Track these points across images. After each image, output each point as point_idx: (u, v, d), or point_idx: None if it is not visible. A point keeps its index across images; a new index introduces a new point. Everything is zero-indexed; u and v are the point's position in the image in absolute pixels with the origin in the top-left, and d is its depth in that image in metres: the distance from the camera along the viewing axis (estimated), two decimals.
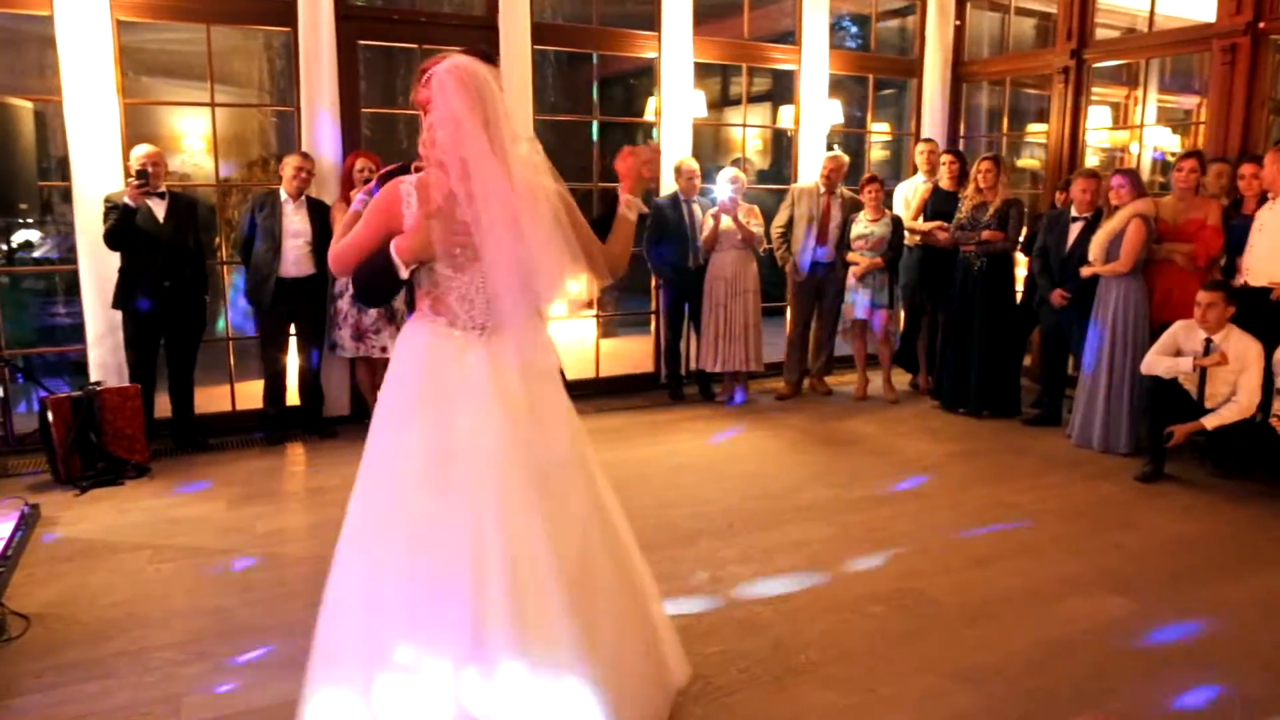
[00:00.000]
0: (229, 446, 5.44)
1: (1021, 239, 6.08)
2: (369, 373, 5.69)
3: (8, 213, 4.59)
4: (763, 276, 6.43)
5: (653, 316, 6.93)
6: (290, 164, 5.33)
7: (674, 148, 6.49)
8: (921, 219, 6.45)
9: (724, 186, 6.15)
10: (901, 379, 6.88)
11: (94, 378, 5.13)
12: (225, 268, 6.04)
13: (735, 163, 7.53)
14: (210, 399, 5.80)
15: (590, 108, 7.21)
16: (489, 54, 2.34)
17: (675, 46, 6.39)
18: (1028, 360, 6.43)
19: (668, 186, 6.46)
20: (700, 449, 5.42)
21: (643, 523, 4.13)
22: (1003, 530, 4.12)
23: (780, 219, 6.52)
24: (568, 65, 8.81)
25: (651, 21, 6.38)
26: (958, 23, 7.36)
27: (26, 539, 3.95)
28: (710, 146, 9.40)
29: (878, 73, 7.50)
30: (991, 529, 4.13)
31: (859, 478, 4.84)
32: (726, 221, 6.15)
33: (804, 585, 3.52)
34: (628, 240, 2.50)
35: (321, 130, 5.54)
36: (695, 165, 6.33)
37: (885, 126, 8.52)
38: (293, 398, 5.64)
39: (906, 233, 6.49)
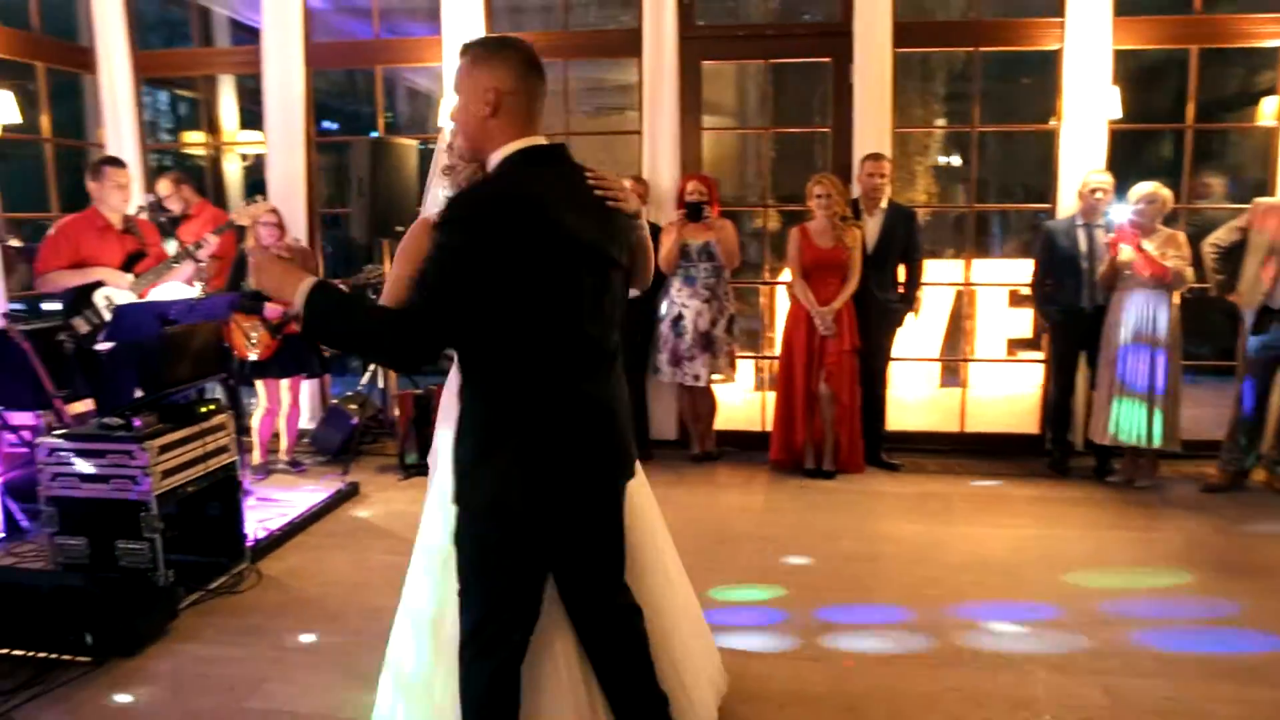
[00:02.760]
0: None
1: None
2: (690, 401, 5.55)
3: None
4: (1187, 325, 4.82)
5: (1043, 366, 5.63)
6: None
7: (1079, 158, 5.18)
8: None
9: (1123, 207, 4.74)
10: None
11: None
12: None
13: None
14: None
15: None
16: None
17: (1085, 32, 5.09)
18: None
19: (1064, 207, 5.20)
20: (1032, 543, 4.20)
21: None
22: None
23: (1221, 236, 4.83)
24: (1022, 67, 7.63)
25: (1056, 7, 5.16)
26: None
27: (326, 511, 4.62)
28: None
29: None
30: None
31: (1232, 637, 3.30)
32: (1128, 252, 4.73)
33: None
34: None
35: (661, 153, 5.55)
36: (1104, 180, 4.97)
37: None
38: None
39: None
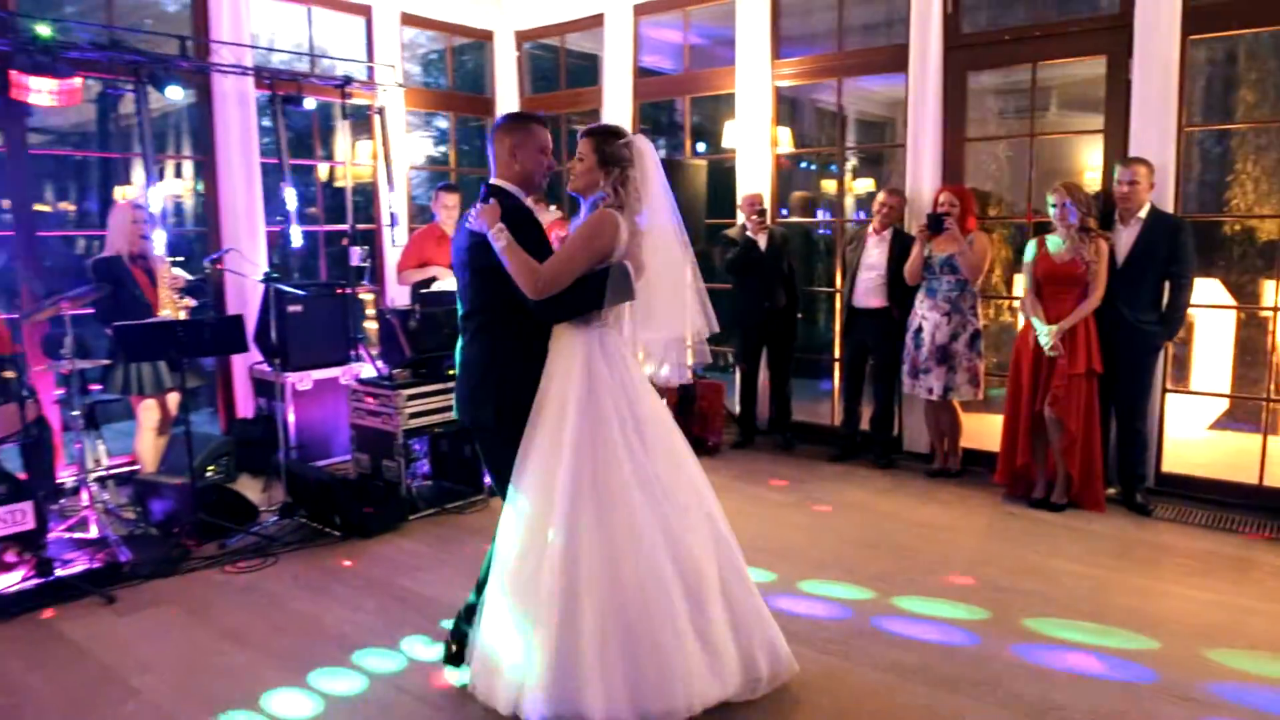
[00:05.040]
0: (807, 455, 6.03)
1: None
2: (932, 415, 5.48)
3: None
4: None
5: None
6: (876, 199, 5.58)
7: None
8: None
9: None
10: None
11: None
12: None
13: None
14: (818, 411, 6.50)
15: None
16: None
17: None
18: None
19: None
20: (1220, 612, 3.55)
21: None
22: None
23: None
24: None
25: None
26: None
27: None
28: None
29: None
30: None
31: None
32: None
33: None
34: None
35: (924, 165, 5.54)
36: None
37: None
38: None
39: None
